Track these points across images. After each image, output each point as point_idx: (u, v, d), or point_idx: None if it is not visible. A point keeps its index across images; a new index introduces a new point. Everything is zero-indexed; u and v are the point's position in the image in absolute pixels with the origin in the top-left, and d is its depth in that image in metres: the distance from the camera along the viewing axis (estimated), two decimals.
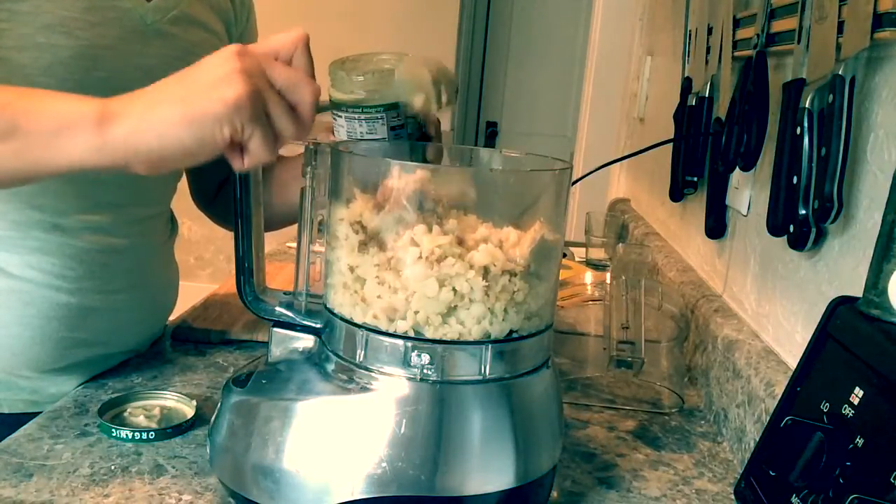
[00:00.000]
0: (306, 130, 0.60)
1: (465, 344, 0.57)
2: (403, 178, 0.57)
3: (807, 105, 0.69)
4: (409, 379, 0.57)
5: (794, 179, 0.72)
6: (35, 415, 0.77)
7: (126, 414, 0.76)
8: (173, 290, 0.98)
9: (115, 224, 0.83)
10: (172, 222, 0.98)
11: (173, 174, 0.93)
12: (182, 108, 0.56)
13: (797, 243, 0.74)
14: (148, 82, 0.74)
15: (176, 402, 0.79)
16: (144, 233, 0.87)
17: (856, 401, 0.54)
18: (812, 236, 0.72)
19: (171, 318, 1.01)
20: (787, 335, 0.80)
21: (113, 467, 0.67)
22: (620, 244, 1.16)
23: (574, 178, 0.65)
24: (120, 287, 0.85)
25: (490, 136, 4.01)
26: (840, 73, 0.66)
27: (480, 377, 0.58)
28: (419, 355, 0.57)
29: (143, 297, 0.89)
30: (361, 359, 0.58)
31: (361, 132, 0.74)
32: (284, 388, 0.61)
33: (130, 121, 0.57)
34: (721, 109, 1.02)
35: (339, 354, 0.60)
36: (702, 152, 1.14)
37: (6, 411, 0.83)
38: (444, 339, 0.57)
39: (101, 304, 0.83)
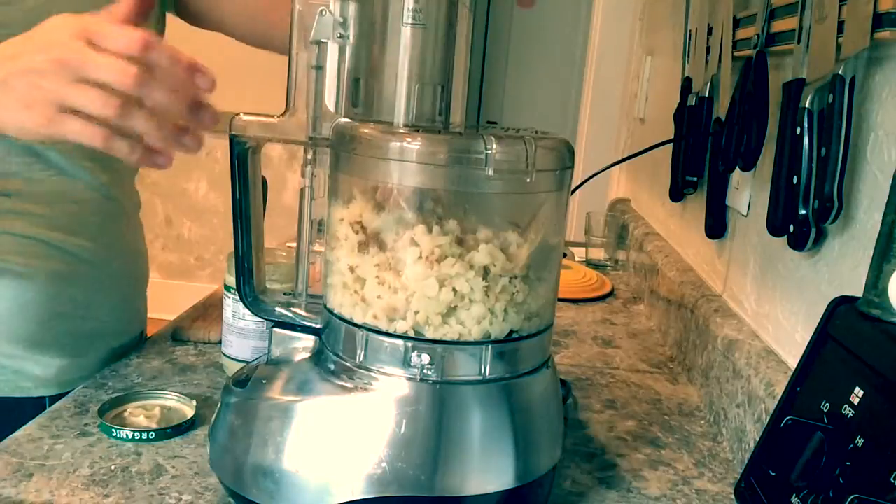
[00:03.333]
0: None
1: (465, 344, 0.57)
2: (404, 177, 0.57)
3: (807, 105, 0.69)
4: (409, 379, 0.57)
5: (794, 179, 0.72)
6: (20, 400, 0.79)
7: (126, 414, 0.76)
8: (142, 261, 0.99)
9: (64, 191, 0.84)
10: (136, 196, 0.99)
11: None
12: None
13: (797, 243, 0.74)
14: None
15: (176, 402, 0.79)
16: (98, 199, 0.88)
17: (856, 401, 0.54)
18: (812, 236, 0.72)
19: (171, 317, 1.01)
20: (787, 335, 0.80)
21: (113, 467, 0.67)
22: None
23: (575, 180, 0.65)
24: (86, 253, 0.86)
25: None
26: (840, 73, 0.66)
27: (480, 377, 0.58)
28: (419, 355, 0.57)
29: (110, 265, 0.90)
30: (361, 359, 0.58)
31: (244, 312, 0.81)
32: (284, 389, 0.61)
33: None
34: (721, 109, 1.02)
35: (339, 354, 0.60)
36: (702, 152, 1.14)
37: None
38: (444, 339, 0.57)
39: (68, 269, 0.84)
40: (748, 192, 0.95)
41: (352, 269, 0.59)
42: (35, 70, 0.59)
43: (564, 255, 1.46)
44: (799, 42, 0.75)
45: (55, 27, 0.61)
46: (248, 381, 0.63)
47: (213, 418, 0.64)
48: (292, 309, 0.66)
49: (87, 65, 0.59)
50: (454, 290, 0.56)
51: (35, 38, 0.62)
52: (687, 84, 1.21)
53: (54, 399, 0.84)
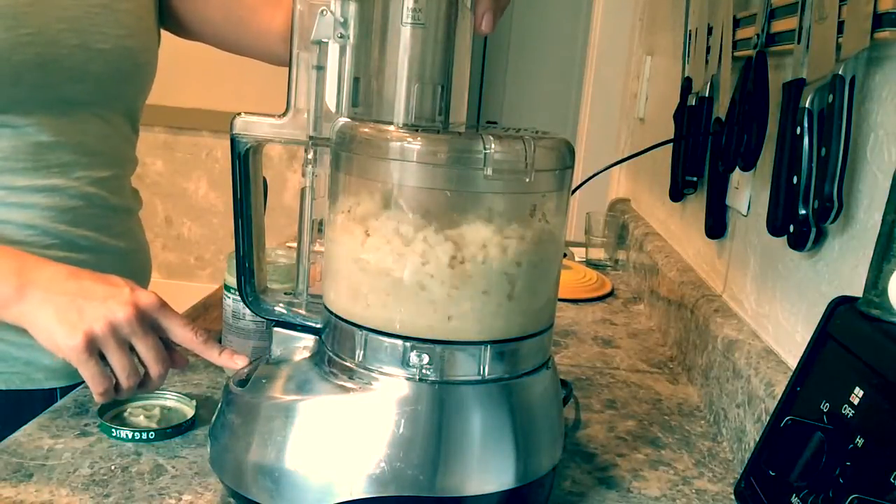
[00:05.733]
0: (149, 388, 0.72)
1: (464, 344, 0.57)
2: (404, 177, 0.57)
3: (807, 105, 0.70)
4: (409, 379, 0.57)
5: (794, 179, 0.72)
6: (31, 393, 0.80)
7: (126, 414, 0.76)
8: (144, 256, 1.00)
9: (67, 186, 0.85)
10: (135, 194, 1.00)
11: (124, 139, 0.94)
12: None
13: (797, 243, 0.74)
14: (72, 35, 0.81)
15: (176, 402, 0.79)
16: (100, 195, 0.89)
17: (856, 401, 0.54)
18: (812, 236, 0.72)
19: None
20: (787, 335, 0.80)
21: (113, 467, 0.67)
22: None
23: (575, 180, 0.65)
24: (84, 246, 0.87)
25: None
26: (840, 73, 0.66)
27: (479, 378, 0.58)
28: (418, 355, 0.57)
29: (110, 258, 0.90)
30: (361, 359, 0.58)
31: (244, 312, 0.83)
32: (284, 388, 0.61)
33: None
34: (721, 109, 1.02)
35: (339, 354, 0.60)
36: (702, 152, 1.14)
37: (2, 387, 0.84)
38: (444, 339, 0.57)
39: (70, 258, 0.84)
40: (748, 192, 0.95)
41: (351, 269, 0.59)
42: (89, 299, 0.67)
43: (564, 255, 1.46)
44: (799, 42, 0.75)
45: (124, 285, 0.69)
46: (249, 380, 0.63)
47: (213, 418, 0.64)
48: (293, 309, 0.66)
49: (135, 337, 0.68)
50: (453, 289, 0.56)
51: (104, 278, 0.70)
52: (687, 84, 1.21)
53: (65, 390, 0.85)
